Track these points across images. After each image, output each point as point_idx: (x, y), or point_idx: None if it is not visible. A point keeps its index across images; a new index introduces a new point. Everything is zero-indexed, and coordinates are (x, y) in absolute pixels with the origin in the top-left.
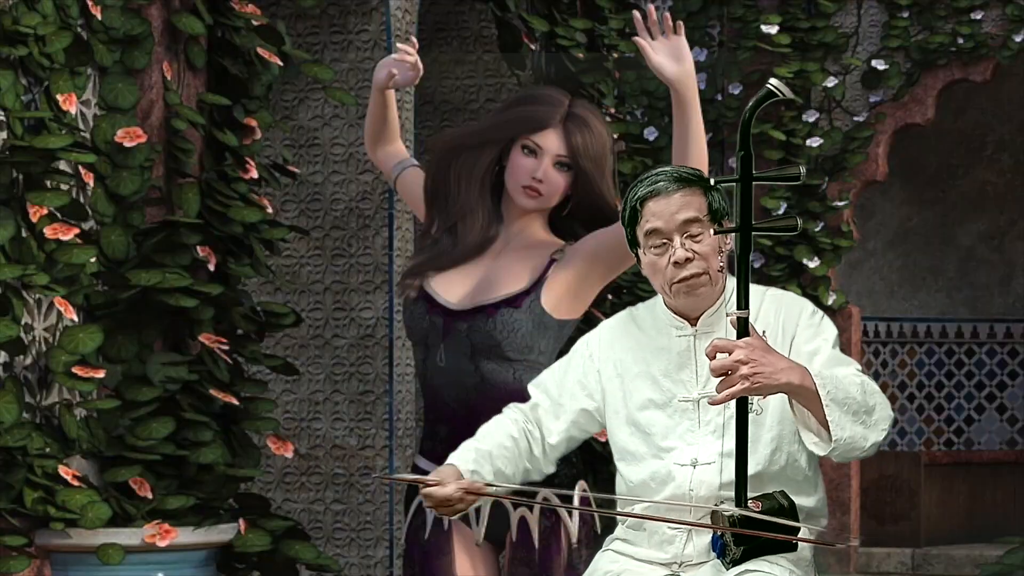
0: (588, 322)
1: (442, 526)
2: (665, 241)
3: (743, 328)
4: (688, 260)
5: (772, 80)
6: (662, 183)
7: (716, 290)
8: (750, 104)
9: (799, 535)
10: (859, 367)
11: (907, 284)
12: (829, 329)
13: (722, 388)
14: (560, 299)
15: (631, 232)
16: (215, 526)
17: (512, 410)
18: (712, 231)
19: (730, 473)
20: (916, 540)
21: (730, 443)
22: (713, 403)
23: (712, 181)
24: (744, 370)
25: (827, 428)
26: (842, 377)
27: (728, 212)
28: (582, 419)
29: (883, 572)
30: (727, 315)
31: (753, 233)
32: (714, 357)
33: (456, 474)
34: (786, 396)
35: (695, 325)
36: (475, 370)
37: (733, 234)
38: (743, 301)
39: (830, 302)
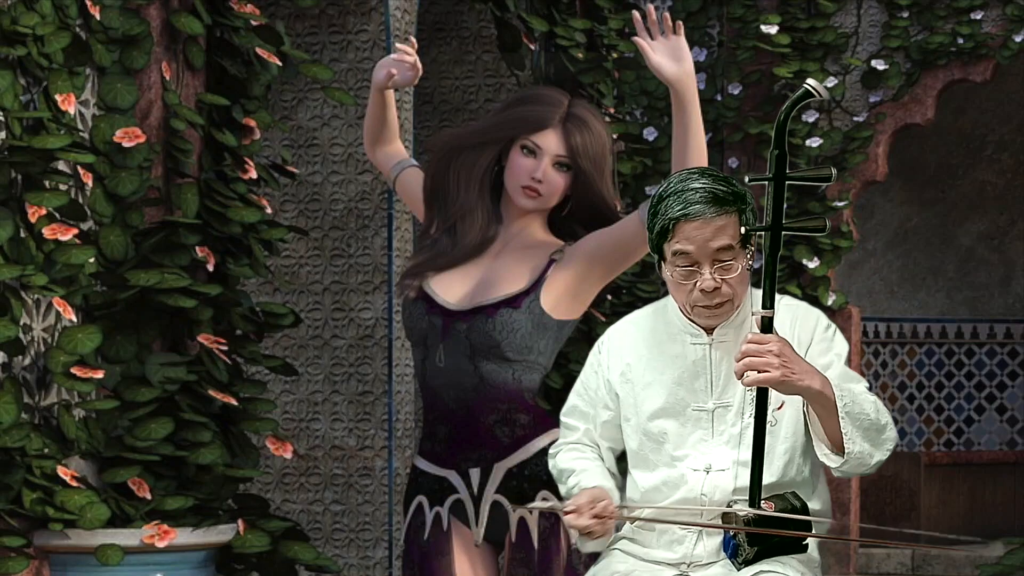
0: (587, 322)
1: (441, 526)
2: (693, 267)
3: (767, 328)
4: (716, 289)
5: (809, 80)
6: (699, 206)
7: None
8: (787, 103)
9: (813, 534)
10: (867, 384)
11: (907, 284)
12: (841, 344)
13: (750, 374)
14: (559, 299)
15: (657, 244)
16: (214, 527)
17: (569, 442)
18: (743, 253)
19: (744, 480)
20: (916, 540)
21: (745, 453)
22: (745, 384)
23: (746, 179)
24: (776, 361)
25: (838, 440)
26: (858, 393)
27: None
28: (607, 431)
29: (883, 572)
30: (752, 314)
31: (783, 232)
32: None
33: (590, 497)
34: (800, 409)
35: (711, 334)
36: (474, 370)
37: (755, 248)
38: (769, 300)
39: (830, 302)
